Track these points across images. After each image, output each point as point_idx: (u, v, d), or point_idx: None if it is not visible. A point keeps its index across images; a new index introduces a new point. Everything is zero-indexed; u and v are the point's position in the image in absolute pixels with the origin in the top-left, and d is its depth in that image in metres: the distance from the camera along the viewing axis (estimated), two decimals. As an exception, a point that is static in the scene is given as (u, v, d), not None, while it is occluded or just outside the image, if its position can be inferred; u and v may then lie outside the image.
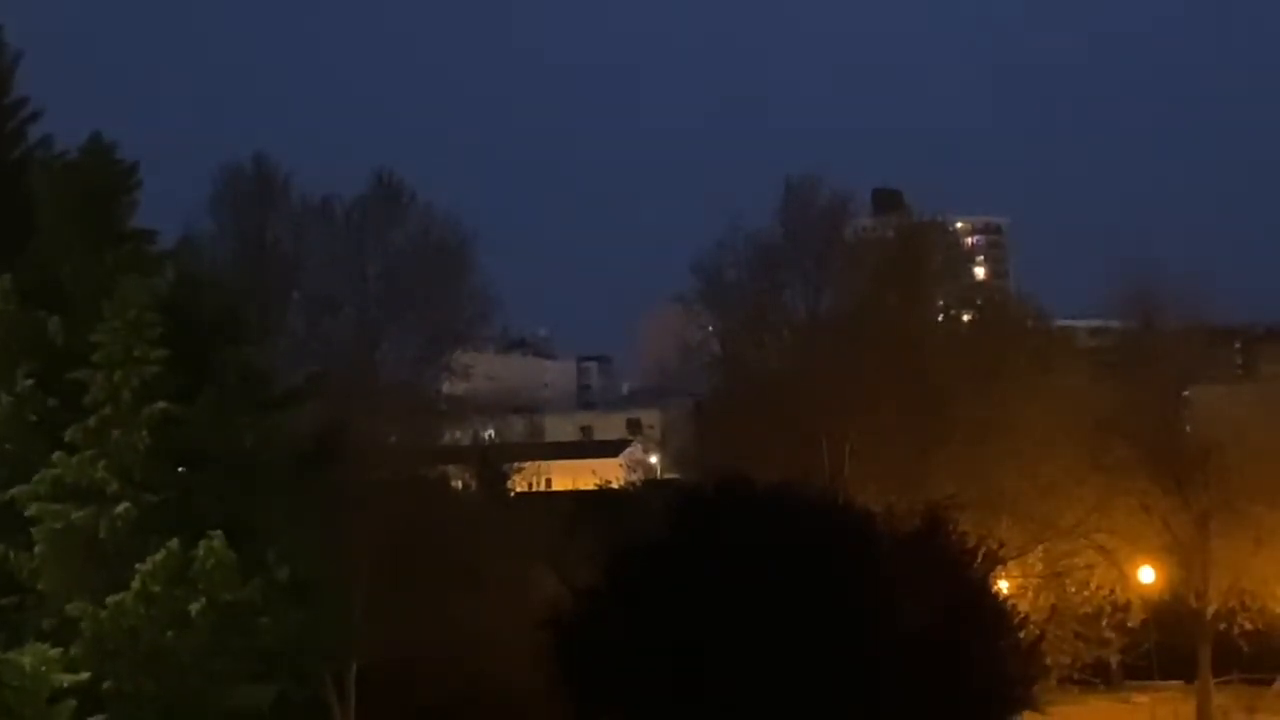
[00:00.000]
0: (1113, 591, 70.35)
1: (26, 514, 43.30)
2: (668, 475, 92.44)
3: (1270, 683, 70.81)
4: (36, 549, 43.20)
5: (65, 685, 41.77)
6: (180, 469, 44.38)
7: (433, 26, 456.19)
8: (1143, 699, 74.14)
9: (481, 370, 68.14)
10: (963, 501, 56.32)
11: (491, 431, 73.47)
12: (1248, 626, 69.54)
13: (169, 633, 42.27)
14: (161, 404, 43.39)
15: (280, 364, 54.55)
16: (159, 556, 42.20)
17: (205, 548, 42.34)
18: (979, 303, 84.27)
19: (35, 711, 41.09)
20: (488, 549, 56.88)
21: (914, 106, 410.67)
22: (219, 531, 42.54)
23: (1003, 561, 54.31)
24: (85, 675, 41.92)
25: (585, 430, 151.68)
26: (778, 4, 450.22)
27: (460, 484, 68.53)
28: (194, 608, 42.16)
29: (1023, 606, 56.98)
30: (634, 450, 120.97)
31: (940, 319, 78.91)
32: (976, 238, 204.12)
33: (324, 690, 51.91)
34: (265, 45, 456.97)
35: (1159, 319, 73.62)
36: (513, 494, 72.06)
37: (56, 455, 43.26)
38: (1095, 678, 72.44)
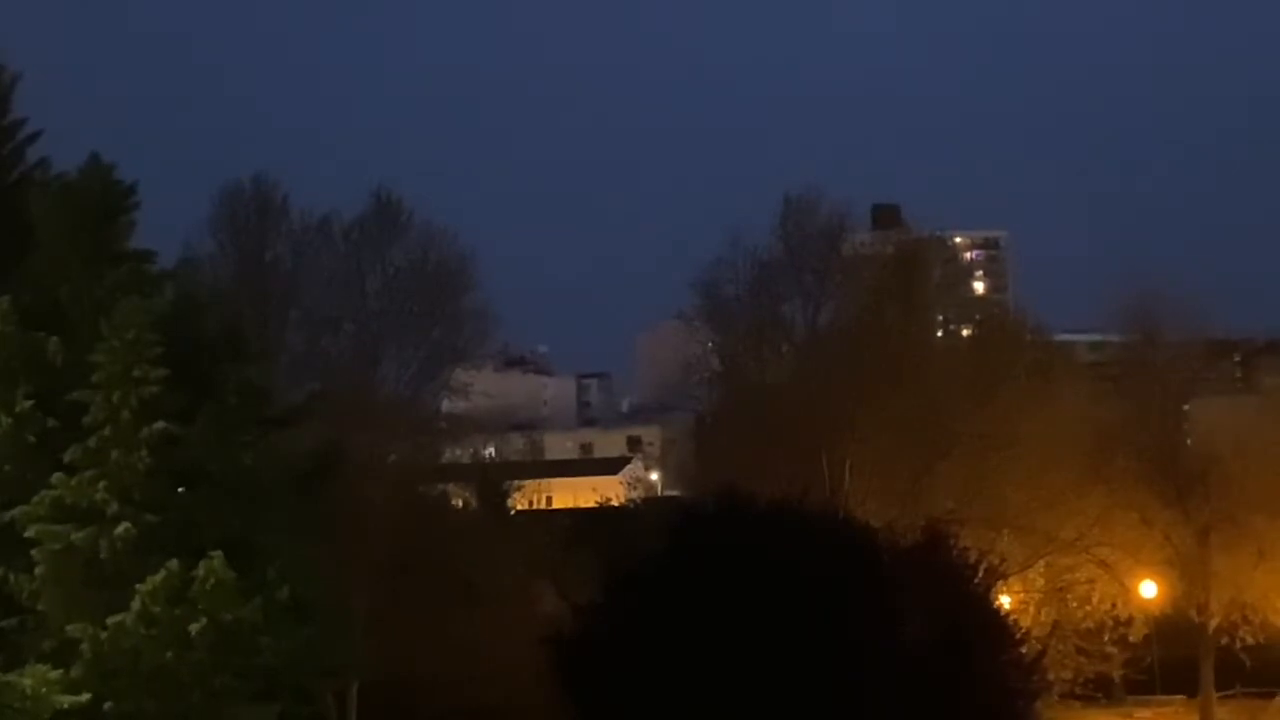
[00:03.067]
0: (1114, 606, 70.32)
1: (26, 535, 43.28)
2: (668, 492, 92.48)
3: (1273, 696, 70.72)
4: (37, 570, 43.17)
5: (66, 706, 41.70)
6: (180, 489, 44.37)
7: (432, 43, 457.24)
8: (1145, 714, 74.11)
9: (481, 388, 68.17)
10: (963, 516, 56.48)
11: (491, 449, 73.60)
12: (1250, 640, 69.49)
13: (170, 653, 42.24)
14: (161, 424, 43.38)
15: (280, 382, 54.61)
16: (159, 577, 42.18)
17: (205, 567, 42.32)
18: (978, 317, 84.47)
19: (36, 733, 41.09)
20: (488, 567, 56.96)
21: (912, 122, 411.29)
22: (219, 551, 42.52)
23: (1004, 576, 54.28)
24: (86, 696, 41.87)
25: (585, 448, 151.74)
26: (778, 16, 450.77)
27: (460, 502, 68.62)
28: (194, 627, 42.14)
29: (1024, 621, 56.94)
30: (634, 467, 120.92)
31: (939, 334, 79.07)
32: (975, 252, 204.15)
33: (325, 708, 51.89)
34: (265, 62, 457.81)
35: (1158, 332, 73.69)
36: (513, 512, 72.13)
37: (56, 476, 43.24)
38: (1097, 693, 72.36)
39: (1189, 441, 75.19)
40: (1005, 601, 57.61)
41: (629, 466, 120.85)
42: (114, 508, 42.94)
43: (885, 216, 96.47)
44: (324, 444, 51.44)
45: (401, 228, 63.84)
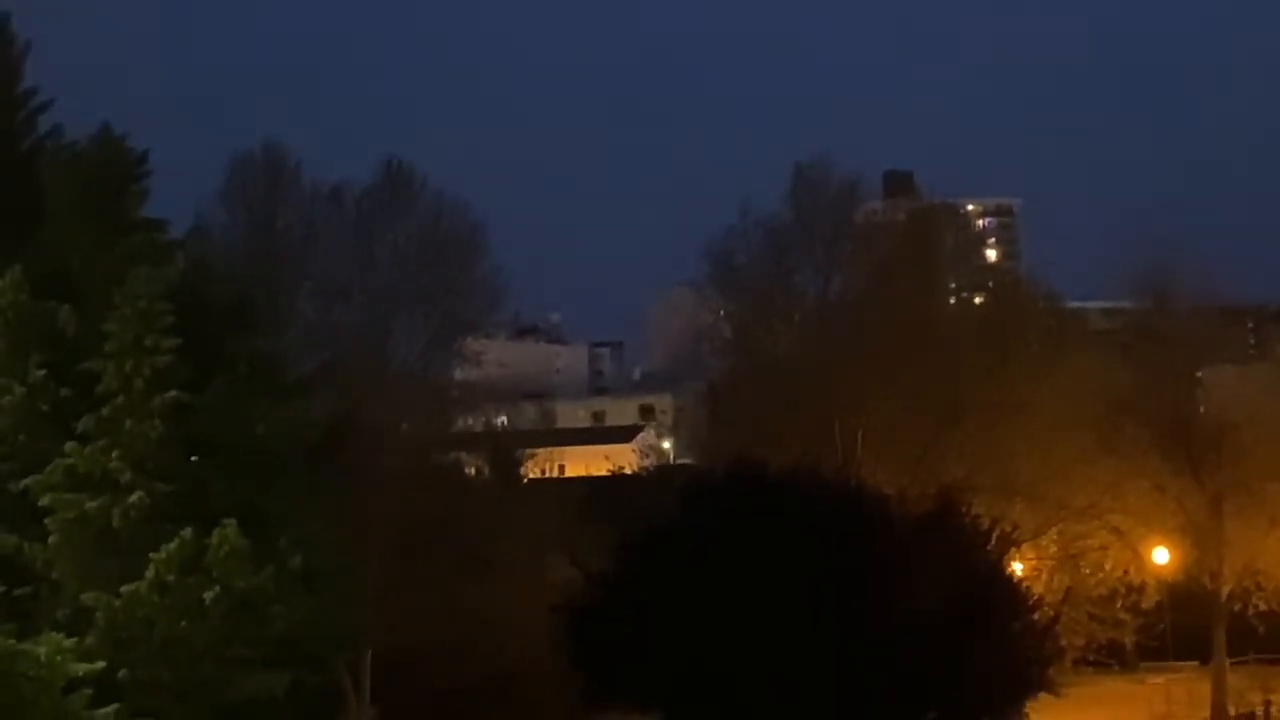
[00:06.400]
0: (1127, 573, 70.24)
1: (40, 504, 43.42)
2: (680, 460, 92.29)
3: (1286, 663, 70.66)
4: (50, 539, 43.33)
5: (81, 674, 41.89)
6: (193, 458, 44.51)
7: (439, 10, 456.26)
8: (1158, 680, 73.99)
9: (493, 357, 68.04)
10: (976, 484, 56.30)
11: (504, 418, 73.45)
12: (1262, 607, 69.45)
13: (183, 621, 42.42)
14: (173, 393, 43.50)
15: (291, 352, 54.59)
16: (172, 545, 42.33)
17: (218, 536, 42.46)
18: (990, 285, 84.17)
19: (51, 701, 41.20)
20: (501, 535, 56.91)
21: (923, 88, 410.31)
22: (232, 520, 42.66)
23: (1016, 544, 54.20)
24: (100, 664, 42.06)
25: (597, 416, 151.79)
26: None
27: (473, 471, 68.56)
28: (208, 596, 42.30)
29: (1037, 588, 56.85)
30: (646, 435, 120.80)
31: (952, 302, 78.84)
32: (988, 219, 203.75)
33: (339, 676, 52.01)
34: (273, 34, 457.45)
35: (1171, 299, 73.42)
36: (525, 480, 72.08)
37: (69, 445, 43.37)
38: (1110, 659, 72.33)
39: (1201, 409, 74.92)
40: (1018, 569, 57.58)
41: (641, 434, 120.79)
42: (127, 476, 43.08)
43: (898, 184, 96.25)
44: (336, 413, 51.46)
45: (413, 196, 63.61)
